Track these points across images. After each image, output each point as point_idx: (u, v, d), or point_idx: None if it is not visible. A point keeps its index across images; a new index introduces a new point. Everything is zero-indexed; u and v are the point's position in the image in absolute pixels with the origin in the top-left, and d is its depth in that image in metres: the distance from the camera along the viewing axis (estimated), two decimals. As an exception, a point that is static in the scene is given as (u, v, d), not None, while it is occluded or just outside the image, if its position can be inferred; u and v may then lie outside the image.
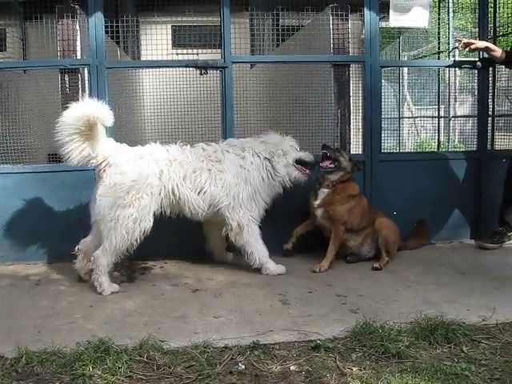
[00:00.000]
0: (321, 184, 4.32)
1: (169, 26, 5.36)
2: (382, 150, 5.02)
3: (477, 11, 5.14)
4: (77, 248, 3.94)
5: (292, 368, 2.61)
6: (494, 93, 5.14)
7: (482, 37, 4.92)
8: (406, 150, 7.69)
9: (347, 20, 4.74)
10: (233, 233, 4.05)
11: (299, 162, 4.22)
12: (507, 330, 2.98)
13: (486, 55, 4.82)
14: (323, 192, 4.30)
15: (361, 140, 4.92)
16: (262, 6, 5.54)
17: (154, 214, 3.86)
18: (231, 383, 2.49)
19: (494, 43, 4.98)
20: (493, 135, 5.17)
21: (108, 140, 3.75)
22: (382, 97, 4.97)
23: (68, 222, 4.42)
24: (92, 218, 3.85)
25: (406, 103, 8.77)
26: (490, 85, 5.07)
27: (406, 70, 7.95)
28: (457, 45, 4.84)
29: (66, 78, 4.50)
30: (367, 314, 3.11)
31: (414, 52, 7.89)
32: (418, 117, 8.94)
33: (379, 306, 3.39)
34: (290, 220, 4.41)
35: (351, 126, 4.88)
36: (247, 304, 3.47)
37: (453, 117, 7.71)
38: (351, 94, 4.89)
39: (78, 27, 4.49)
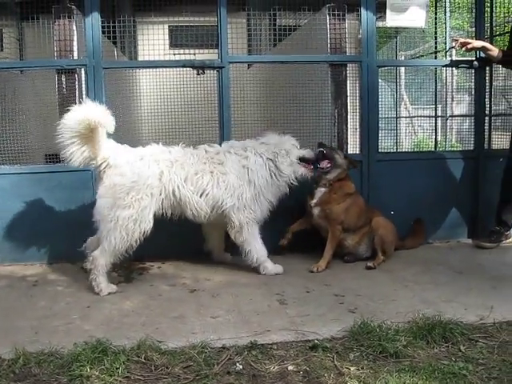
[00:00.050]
0: (318, 183, 4.32)
1: (166, 26, 5.35)
2: (380, 150, 5.03)
3: (473, 11, 5.14)
4: (84, 246, 3.97)
5: (290, 368, 2.61)
6: (490, 92, 5.15)
7: (478, 36, 4.91)
8: (404, 150, 7.70)
9: (344, 20, 4.74)
10: (233, 231, 4.05)
11: (301, 159, 4.23)
12: (505, 328, 2.99)
13: (482, 55, 4.82)
14: (320, 191, 4.31)
15: (358, 140, 4.91)
16: (258, 6, 5.53)
17: (155, 216, 3.86)
18: (229, 383, 2.49)
19: (491, 43, 4.99)
20: (490, 134, 5.17)
21: (108, 141, 3.75)
22: (379, 96, 4.98)
23: (65, 223, 4.42)
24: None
25: (403, 103, 8.77)
26: (487, 84, 5.07)
27: (403, 69, 7.95)
28: (454, 44, 4.84)
29: (63, 79, 4.49)
30: (365, 314, 3.12)
31: (410, 52, 7.90)
32: (415, 116, 8.95)
33: (377, 305, 3.40)
34: (285, 220, 4.40)
35: (348, 126, 4.88)
36: (245, 304, 3.47)
37: (450, 116, 7.71)
38: (348, 94, 4.89)
39: (74, 27, 4.48)
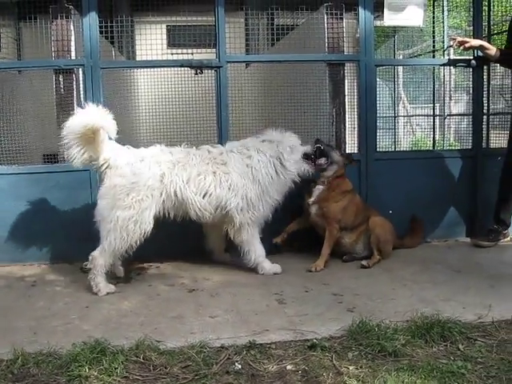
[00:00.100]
0: (315, 181, 4.32)
1: (163, 25, 5.35)
2: (378, 149, 5.02)
3: (471, 10, 5.15)
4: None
5: (288, 367, 2.61)
6: (488, 91, 5.15)
7: (476, 35, 4.92)
8: (402, 149, 7.69)
9: (342, 19, 4.74)
10: (233, 230, 4.05)
11: (304, 155, 4.23)
12: (503, 327, 2.99)
13: (480, 53, 4.82)
14: (318, 189, 4.31)
15: (356, 139, 4.92)
16: (256, 6, 5.53)
17: (158, 217, 3.87)
18: (228, 383, 2.49)
19: (489, 41, 4.99)
20: (488, 133, 5.18)
21: (110, 142, 3.75)
22: (377, 95, 4.97)
23: (63, 223, 4.42)
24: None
25: (401, 102, 8.78)
26: (485, 83, 5.07)
27: (401, 68, 7.95)
28: (451, 43, 4.85)
29: (61, 79, 4.48)
30: (363, 313, 3.11)
31: (408, 51, 7.90)
32: (413, 115, 8.96)
33: (375, 304, 3.40)
34: (284, 220, 4.40)
35: (346, 125, 4.88)
36: (243, 304, 3.47)
37: (448, 115, 7.72)
38: (346, 93, 4.89)
39: (72, 27, 4.47)
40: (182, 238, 4.32)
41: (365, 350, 2.73)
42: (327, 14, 4.72)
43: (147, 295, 3.68)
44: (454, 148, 6.77)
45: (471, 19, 5.20)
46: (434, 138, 7.44)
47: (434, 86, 7.20)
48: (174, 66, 4.62)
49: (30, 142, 4.72)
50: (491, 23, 5.22)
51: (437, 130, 7.48)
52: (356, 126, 4.93)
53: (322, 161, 4.26)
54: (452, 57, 6.20)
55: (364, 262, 4.20)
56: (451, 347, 2.78)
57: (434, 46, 6.52)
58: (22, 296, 3.71)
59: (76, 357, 2.61)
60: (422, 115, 8.61)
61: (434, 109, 7.53)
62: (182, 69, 4.58)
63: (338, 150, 4.49)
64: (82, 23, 4.38)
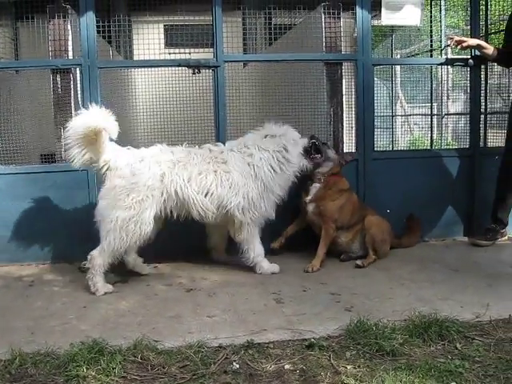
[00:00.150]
0: (312, 179, 4.33)
1: (161, 25, 5.33)
2: (375, 148, 5.03)
3: (469, 9, 5.15)
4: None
5: (286, 367, 2.61)
6: (486, 90, 5.16)
7: (473, 34, 4.93)
8: (399, 148, 7.71)
9: (339, 18, 4.74)
10: (234, 229, 4.05)
11: (304, 150, 4.24)
12: (501, 326, 2.99)
13: (478, 53, 4.83)
14: (315, 187, 4.32)
15: (354, 138, 4.91)
16: (254, 5, 5.52)
17: (159, 217, 3.88)
18: (226, 383, 2.48)
19: (486, 41, 5.00)
20: (485, 132, 5.18)
21: (110, 144, 3.75)
22: (375, 95, 4.99)
23: (61, 223, 4.41)
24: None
25: (398, 101, 8.78)
26: (483, 82, 5.09)
27: (398, 68, 7.95)
28: (449, 42, 4.85)
29: (58, 78, 4.48)
30: (361, 312, 3.12)
31: (406, 50, 7.90)
32: (410, 115, 8.96)
33: (373, 303, 3.40)
34: (282, 219, 4.39)
35: (344, 125, 4.88)
36: (241, 303, 3.47)
37: (445, 114, 7.72)
38: (344, 93, 4.90)
39: (69, 27, 4.47)
40: (180, 238, 4.32)
41: (363, 349, 2.73)
42: (325, 13, 4.72)
43: (145, 295, 3.67)
44: (451, 147, 6.79)
45: (469, 18, 5.20)
46: (431, 137, 7.44)
47: (431, 85, 7.20)
48: (171, 66, 4.62)
49: (27, 142, 4.72)
50: (488, 22, 5.23)
51: (434, 129, 7.48)
52: (354, 125, 4.94)
53: (318, 156, 4.28)
54: (449, 56, 6.19)
55: (359, 262, 4.20)
56: (449, 346, 2.78)
57: (431, 46, 6.51)
58: (20, 296, 3.70)
59: (74, 357, 2.61)
60: (419, 114, 8.62)
61: (431, 108, 7.53)
62: (180, 68, 4.58)
63: (333, 148, 4.52)
64: (79, 23, 4.38)
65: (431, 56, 6.50)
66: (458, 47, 4.78)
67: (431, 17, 5.89)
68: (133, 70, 5.05)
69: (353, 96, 4.95)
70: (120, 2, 6.69)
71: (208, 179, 3.90)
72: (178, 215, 3.96)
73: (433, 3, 6.02)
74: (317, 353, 2.73)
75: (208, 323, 3.14)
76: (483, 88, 5.10)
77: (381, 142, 6.33)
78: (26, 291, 3.81)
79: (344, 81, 4.88)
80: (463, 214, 5.04)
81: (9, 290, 3.84)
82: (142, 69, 4.80)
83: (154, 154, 3.90)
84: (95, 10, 4.37)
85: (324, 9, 4.71)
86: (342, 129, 4.87)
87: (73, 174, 4.29)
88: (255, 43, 5.87)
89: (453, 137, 7.58)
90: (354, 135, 4.92)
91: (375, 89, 4.99)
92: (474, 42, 4.68)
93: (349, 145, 4.97)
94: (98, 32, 4.46)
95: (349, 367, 2.58)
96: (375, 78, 5.14)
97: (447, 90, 7.67)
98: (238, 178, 3.96)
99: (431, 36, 6.31)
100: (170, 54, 5.26)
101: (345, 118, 4.91)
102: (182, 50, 4.98)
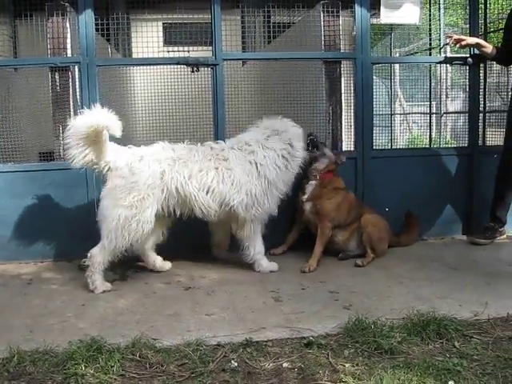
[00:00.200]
0: (308, 177, 4.33)
1: (160, 23, 5.34)
2: (374, 147, 5.02)
3: (468, 8, 5.15)
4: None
5: (285, 365, 2.61)
6: (485, 89, 5.16)
7: (472, 33, 4.93)
8: (398, 147, 7.71)
9: (338, 17, 4.74)
10: (237, 225, 4.05)
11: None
12: (499, 324, 3.00)
13: (476, 51, 4.83)
14: (311, 185, 4.32)
15: (352, 137, 4.91)
16: (253, 3, 5.53)
17: (162, 215, 3.88)
18: (224, 381, 2.48)
19: (485, 39, 5.01)
20: (484, 131, 5.18)
21: (110, 144, 3.75)
22: (374, 93, 4.98)
23: (59, 221, 4.41)
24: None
25: (397, 100, 8.78)
26: (481, 81, 5.08)
27: (397, 66, 7.95)
28: (448, 41, 4.85)
29: (57, 76, 4.47)
30: (360, 311, 3.12)
31: (405, 48, 7.90)
32: (409, 113, 8.97)
33: (372, 302, 3.40)
34: (281, 219, 4.40)
35: (343, 123, 4.89)
36: (240, 301, 3.47)
37: (444, 113, 7.73)
38: (343, 91, 4.89)
39: (68, 25, 4.46)
40: (178, 237, 4.31)
41: (361, 347, 2.74)
42: (323, 11, 4.72)
43: (143, 293, 3.67)
44: (450, 146, 6.78)
45: (467, 17, 5.20)
46: (430, 135, 7.44)
47: (430, 83, 7.20)
48: (170, 64, 4.61)
49: (25, 140, 4.71)
50: (487, 21, 5.24)
51: (433, 127, 7.48)
52: (352, 123, 4.93)
53: (315, 150, 4.30)
54: (448, 55, 6.19)
55: (358, 262, 4.20)
56: (447, 344, 2.78)
57: (430, 44, 6.52)
58: (18, 294, 3.70)
59: (72, 355, 2.61)
60: (418, 113, 8.62)
61: (430, 107, 7.53)
62: (179, 66, 4.58)
63: (330, 148, 4.55)
64: (77, 20, 4.37)
65: (430, 54, 6.51)
66: (457, 46, 4.78)
67: (430, 15, 5.90)
68: (131, 68, 5.05)
69: (352, 94, 4.94)
70: (119, 0, 6.68)
71: (209, 176, 3.88)
72: (181, 213, 3.96)
73: (432, 1, 6.03)
74: (315, 351, 2.73)
75: (206, 321, 3.14)
76: (482, 86, 5.10)
77: (379, 140, 6.33)
78: (25, 289, 3.81)
79: (343, 79, 4.88)
80: (462, 212, 5.04)
81: (7, 289, 3.83)
82: (141, 67, 4.80)
83: (153, 152, 3.89)
84: (94, 8, 4.37)
85: (323, 7, 4.71)
86: (341, 127, 4.87)
87: (71, 172, 4.25)
88: (254, 41, 5.87)
89: (452, 135, 7.58)
90: (352, 133, 4.92)
91: (374, 87, 4.99)
92: (472, 40, 4.68)
93: (347, 143, 4.97)
94: (97, 30, 4.46)
95: (347, 365, 2.58)
96: (374, 77, 5.15)
97: (446, 88, 7.67)
98: (240, 175, 3.94)
99: (430, 34, 6.32)
100: (168, 52, 5.26)
101: (343, 117, 4.91)
102: (180, 48, 4.98)
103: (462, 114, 6.19)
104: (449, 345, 2.78)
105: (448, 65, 5.98)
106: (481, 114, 5.12)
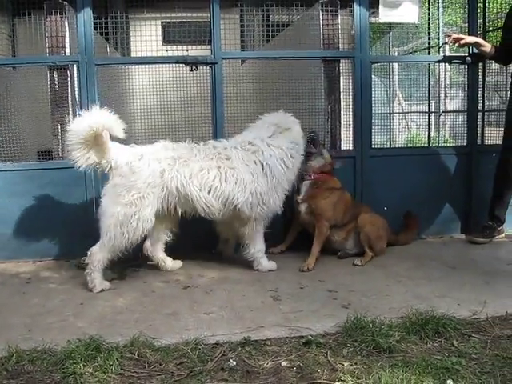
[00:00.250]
0: (303, 177, 4.32)
1: (158, 22, 5.34)
2: (373, 146, 5.02)
3: (466, 7, 5.15)
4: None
5: (283, 364, 2.61)
6: (484, 88, 5.16)
7: (471, 32, 4.93)
8: (397, 146, 7.70)
9: (337, 15, 4.74)
10: (239, 223, 4.05)
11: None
12: (497, 323, 3.00)
13: (475, 50, 4.84)
14: (305, 184, 4.31)
15: (351, 135, 4.92)
16: (251, 2, 5.52)
17: (163, 214, 3.88)
18: (223, 379, 2.48)
19: (484, 38, 5.01)
20: (483, 130, 5.19)
21: (112, 143, 3.75)
22: (373, 92, 4.98)
23: (58, 220, 4.41)
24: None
25: (396, 98, 8.79)
26: (480, 80, 5.09)
27: (396, 65, 7.96)
28: (447, 40, 4.85)
29: (55, 75, 4.47)
30: (358, 309, 3.12)
31: (404, 47, 7.90)
32: (408, 112, 8.96)
33: (370, 301, 3.40)
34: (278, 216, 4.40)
35: (341, 122, 4.88)
36: (238, 300, 3.47)
37: (443, 112, 7.73)
38: (341, 90, 4.89)
39: (66, 23, 4.46)
40: (177, 236, 4.31)
41: (359, 346, 2.74)
42: (322, 10, 4.72)
43: (142, 292, 3.67)
44: (449, 145, 6.76)
45: (466, 16, 5.20)
46: (429, 134, 7.43)
47: (429, 82, 7.19)
48: (168, 63, 4.60)
49: (24, 139, 4.70)
50: (486, 20, 5.23)
51: (432, 126, 7.48)
52: (351, 122, 4.93)
53: (312, 148, 4.30)
54: (447, 54, 6.19)
55: (357, 262, 4.20)
56: (446, 343, 2.78)
57: (429, 43, 6.52)
58: (17, 293, 3.70)
59: (71, 354, 2.61)
60: (417, 112, 8.61)
61: (429, 105, 7.52)
62: (177, 65, 4.58)
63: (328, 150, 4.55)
64: (76, 19, 4.37)
65: (429, 53, 6.52)
66: (456, 45, 4.78)
67: (429, 14, 5.90)
68: (130, 66, 5.04)
69: (350, 93, 4.94)
70: (117, -1, 6.67)
71: (210, 175, 3.86)
72: (184, 212, 3.96)
73: (431, 0, 6.03)
74: (314, 350, 2.73)
75: (205, 320, 3.14)
76: (481, 85, 5.11)
77: (378, 139, 6.32)
78: (23, 288, 3.81)
79: (342, 78, 4.88)
80: (460, 211, 5.04)
81: (5, 287, 3.84)
82: (140, 66, 4.79)
83: (154, 151, 3.88)
84: (92, 7, 4.37)
85: (322, 6, 4.71)
86: (340, 126, 4.87)
87: (70, 171, 4.25)
88: (253, 40, 5.87)
89: (450, 134, 7.57)
90: (351, 132, 4.92)
91: (373, 86, 4.98)
92: (471, 39, 4.68)
93: (346, 142, 4.97)
94: (96, 29, 4.45)
95: (346, 364, 2.58)
96: (373, 76, 5.14)
97: (445, 87, 7.67)
98: (244, 174, 3.92)
99: (429, 33, 6.33)
100: (167, 50, 5.27)
101: (342, 116, 4.91)
102: (179, 47, 4.98)
103: (461, 112, 6.17)
104: (447, 343, 2.78)
105: (447, 64, 6.00)
106: (480, 113, 5.13)
